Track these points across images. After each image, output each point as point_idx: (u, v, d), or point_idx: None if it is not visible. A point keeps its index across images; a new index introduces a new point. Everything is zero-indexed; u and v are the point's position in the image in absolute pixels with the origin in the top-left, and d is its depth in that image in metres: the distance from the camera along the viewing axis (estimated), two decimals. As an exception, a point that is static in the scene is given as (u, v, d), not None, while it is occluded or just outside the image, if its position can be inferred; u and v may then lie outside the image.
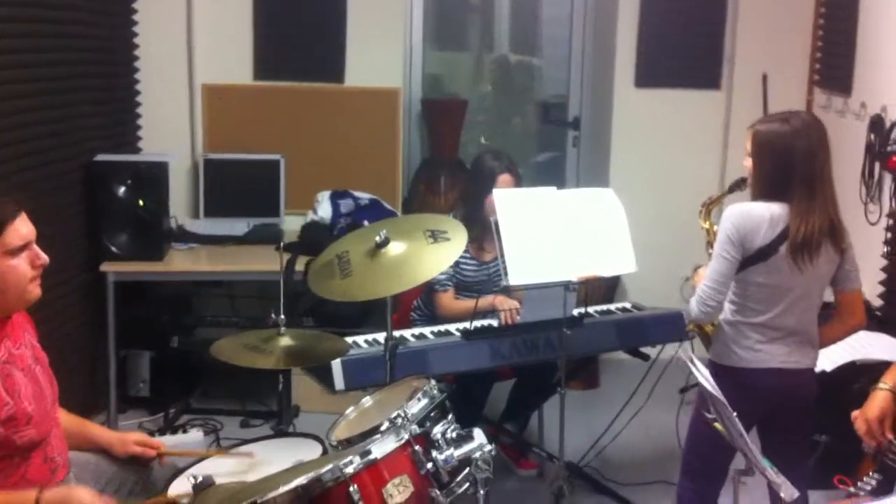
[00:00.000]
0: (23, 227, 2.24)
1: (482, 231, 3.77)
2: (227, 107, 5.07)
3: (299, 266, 4.43)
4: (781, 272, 2.84)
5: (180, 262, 4.55)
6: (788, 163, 2.83)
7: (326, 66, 5.07)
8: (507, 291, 3.57)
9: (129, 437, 2.67)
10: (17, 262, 2.23)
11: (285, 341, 2.78)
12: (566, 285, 3.30)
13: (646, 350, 3.88)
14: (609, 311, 3.89)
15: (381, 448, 2.10)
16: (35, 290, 2.31)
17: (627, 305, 4.00)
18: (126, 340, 4.52)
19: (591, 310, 3.81)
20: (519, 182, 3.89)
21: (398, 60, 5.17)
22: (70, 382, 3.68)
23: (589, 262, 3.33)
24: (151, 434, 4.08)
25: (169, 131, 5.00)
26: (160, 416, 4.55)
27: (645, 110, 5.29)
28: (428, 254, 2.64)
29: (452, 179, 5.43)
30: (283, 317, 2.83)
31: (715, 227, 3.09)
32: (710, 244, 3.13)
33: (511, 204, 3.30)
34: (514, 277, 3.20)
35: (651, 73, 5.24)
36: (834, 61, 4.89)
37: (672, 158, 5.31)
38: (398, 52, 5.18)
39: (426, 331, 3.57)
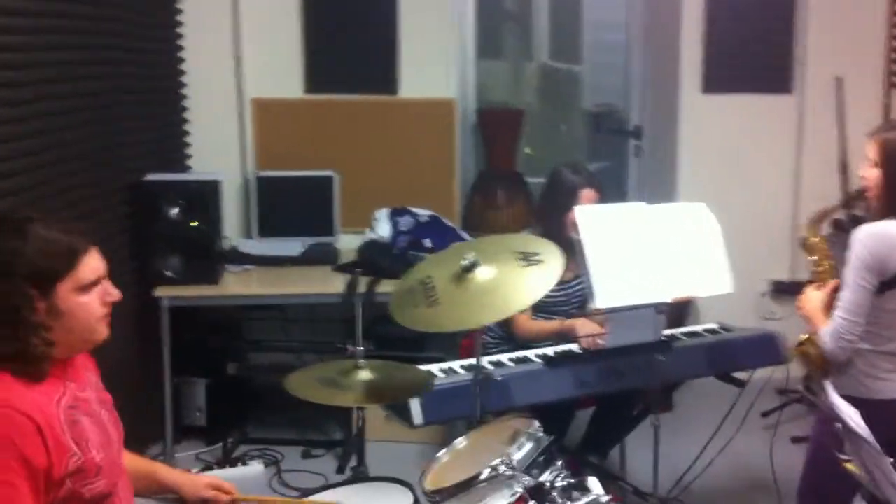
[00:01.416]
0: (95, 261, 2.05)
1: (561, 249, 3.58)
2: (277, 122, 4.89)
3: (362, 288, 4.23)
4: None
5: (236, 285, 4.36)
6: None
7: (379, 76, 4.88)
8: (589, 314, 3.34)
9: (201, 480, 2.47)
10: (89, 299, 2.04)
11: (364, 375, 2.57)
12: (657, 307, 3.07)
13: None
14: (696, 334, 3.63)
15: (495, 505, 1.87)
16: (103, 330, 2.12)
17: (714, 326, 3.74)
18: (180, 368, 4.33)
19: (676, 332, 3.57)
20: (602, 197, 3.66)
21: (451, 70, 4.96)
22: (123, 413, 3.50)
23: (682, 282, 3.10)
24: (210, 467, 3.88)
25: (219, 148, 4.83)
26: (218, 446, 4.35)
27: (713, 117, 5.06)
28: (521, 279, 2.42)
29: (511, 193, 5.22)
30: (361, 348, 2.61)
31: (824, 244, 2.85)
32: (816, 262, 2.89)
33: (595, 221, 3.07)
34: (603, 300, 2.98)
35: (718, 78, 5.01)
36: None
37: (742, 167, 5.07)
38: (451, 62, 4.97)
39: (504, 358, 3.35)
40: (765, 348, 3.55)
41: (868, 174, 2.71)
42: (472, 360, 3.31)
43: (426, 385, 2.56)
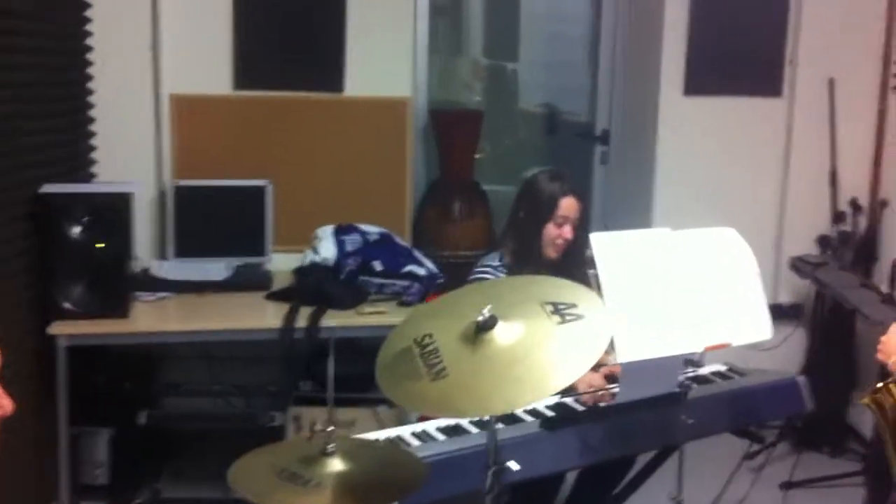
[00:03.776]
0: None
1: (536, 271, 3.05)
2: (200, 122, 4.16)
3: (302, 319, 3.60)
4: None
5: (148, 318, 3.64)
6: None
7: (322, 71, 4.20)
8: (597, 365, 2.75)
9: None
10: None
11: (335, 465, 1.91)
12: (690, 359, 2.51)
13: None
14: (706, 379, 3.07)
15: None
16: None
17: (722, 369, 3.19)
18: (80, 416, 3.60)
19: (682, 378, 3.00)
20: (585, 206, 3.20)
21: (406, 64, 4.32)
22: (14, 470, 2.98)
23: (716, 327, 2.53)
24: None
25: (130, 154, 4.09)
26: (123, 508, 3.65)
27: (695, 121, 4.56)
28: (558, 342, 1.79)
29: (469, 205, 4.60)
30: (332, 427, 1.96)
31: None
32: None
33: (614, 251, 2.48)
34: (625, 353, 2.39)
35: (702, 80, 4.52)
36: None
37: (727, 173, 4.59)
38: (406, 55, 4.33)
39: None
40: (787, 396, 3.03)
41: None
42: (451, 420, 2.72)
43: (419, 479, 1.91)
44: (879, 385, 2.37)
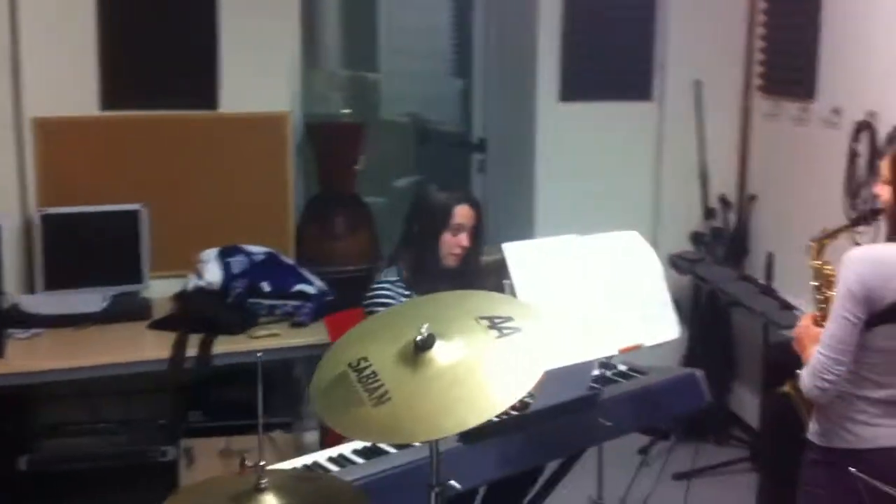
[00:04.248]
0: None
1: (436, 283, 2.98)
2: (67, 146, 3.91)
3: (191, 348, 3.45)
4: None
5: (22, 356, 3.39)
6: None
7: (195, 88, 4.04)
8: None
9: None
10: None
11: (271, 502, 1.81)
12: (605, 363, 2.53)
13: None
14: (612, 381, 3.10)
15: None
16: None
17: (622, 368, 3.23)
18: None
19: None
20: (480, 213, 3.16)
21: (284, 78, 4.21)
22: None
23: (629, 328, 2.57)
24: None
25: (-10, 182, 3.82)
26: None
27: (572, 126, 4.62)
28: (500, 358, 1.76)
29: (352, 219, 4.52)
30: (263, 462, 1.86)
31: (828, 268, 2.41)
32: (819, 288, 2.45)
33: (526, 260, 2.47)
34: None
35: (577, 86, 4.60)
36: (788, 64, 4.39)
37: (604, 176, 4.67)
38: (284, 69, 4.21)
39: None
40: (688, 391, 3.09)
41: (881, 191, 2.30)
42: (368, 442, 2.65)
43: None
44: (798, 372, 2.45)
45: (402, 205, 5.78)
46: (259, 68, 4.09)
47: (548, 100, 4.60)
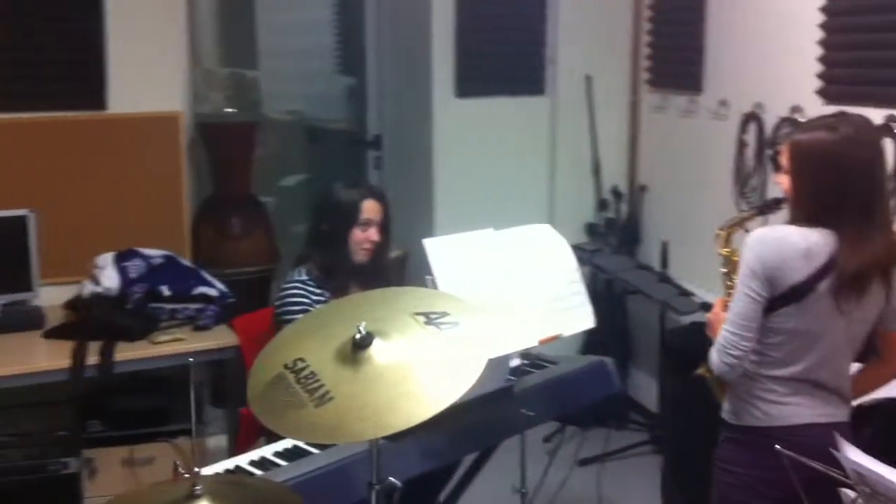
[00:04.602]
0: None
1: (348, 280, 3.05)
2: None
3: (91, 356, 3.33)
4: (818, 316, 2.28)
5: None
6: (839, 180, 2.26)
7: (82, 89, 3.89)
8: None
9: None
10: None
11: (206, 509, 1.77)
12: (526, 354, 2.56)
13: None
14: (526, 371, 3.14)
15: None
16: None
17: (533, 359, 3.28)
18: None
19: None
20: (387, 207, 3.16)
21: (175, 77, 4.09)
22: None
23: (548, 319, 2.60)
24: None
25: None
26: None
27: (468, 122, 4.67)
28: (440, 352, 1.76)
29: (249, 220, 4.45)
30: (198, 469, 1.82)
31: (736, 256, 2.49)
32: (728, 275, 2.52)
33: (446, 255, 2.48)
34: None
35: (472, 82, 4.65)
36: (674, 58, 4.55)
37: (500, 170, 4.74)
38: (175, 68, 4.10)
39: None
40: (600, 378, 3.16)
41: (781, 180, 2.38)
42: (289, 443, 2.62)
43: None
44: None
45: (291, 204, 5.78)
46: (148, 68, 3.97)
47: (443, 96, 4.63)
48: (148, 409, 3.75)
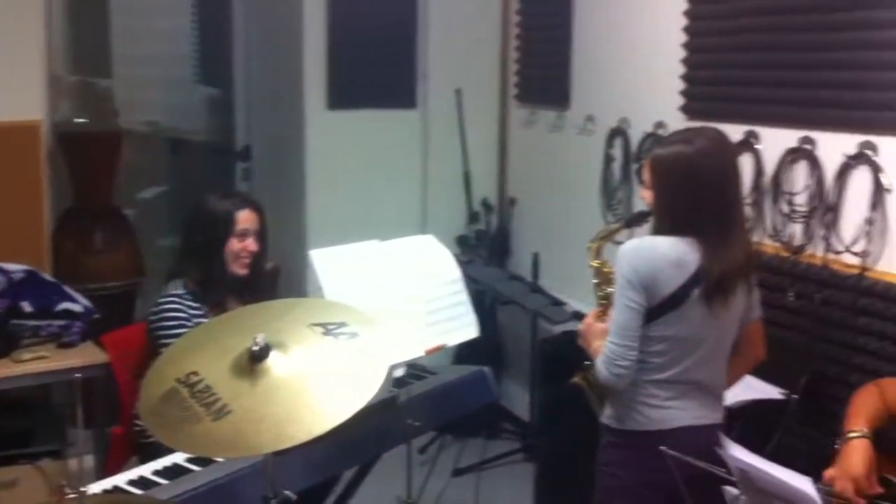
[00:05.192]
0: None
1: (226, 292, 3.00)
2: None
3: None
4: (694, 322, 2.39)
5: None
6: (696, 190, 2.38)
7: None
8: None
9: None
10: None
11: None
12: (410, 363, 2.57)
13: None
14: (406, 382, 3.15)
15: None
16: None
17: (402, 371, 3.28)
18: None
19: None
20: (263, 217, 3.12)
21: (35, 85, 3.91)
22: None
23: (433, 329, 2.63)
24: None
25: None
26: None
27: (341, 134, 4.66)
28: (340, 363, 1.75)
29: (112, 232, 4.30)
30: (83, 489, 1.74)
31: (607, 268, 2.56)
32: (599, 286, 2.59)
33: (333, 266, 2.47)
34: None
35: (345, 94, 4.64)
36: (542, 74, 4.66)
37: (374, 183, 4.75)
38: (35, 75, 3.92)
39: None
40: (480, 388, 3.21)
41: (644, 194, 2.48)
42: (168, 461, 2.54)
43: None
44: (587, 363, 2.60)
45: (152, 217, 5.61)
46: (5, 74, 3.78)
47: (315, 108, 4.60)
48: (10, 430, 3.57)
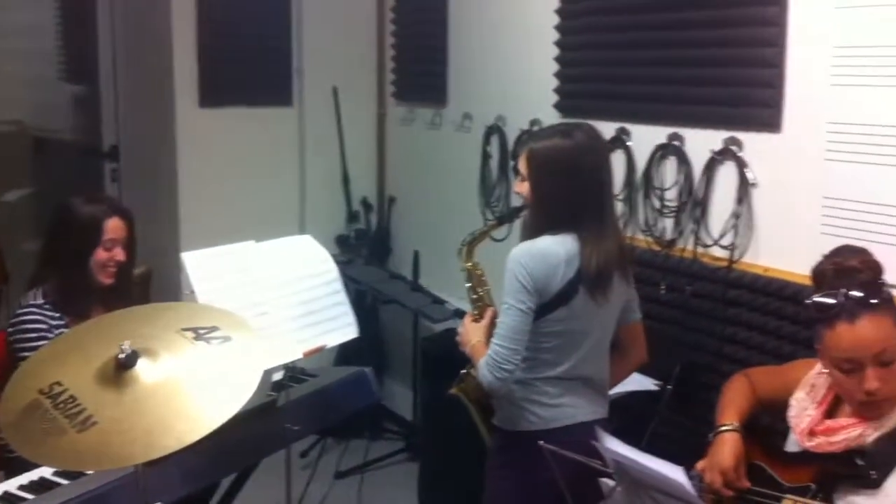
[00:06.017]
0: None
1: (88, 302, 2.84)
2: None
3: None
4: (581, 315, 2.42)
5: None
6: (575, 182, 2.41)
7: None
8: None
9: None
10: None
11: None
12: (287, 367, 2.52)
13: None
14: (285, 385, 3.08)
15: None
16: None
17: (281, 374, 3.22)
18: None
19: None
20: (132, 224, 2.98)
21: None
22: None
23: (311, 331, 2.58)
24: None
25: None
26: None
27: (214, 132, 4.54)
28: (212, 368, 1.69)
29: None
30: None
31: (479, 270, 2.56)
32: (472, 288, 2.59)
33: (206, 269, 2.40)
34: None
35: (217, 92, 4.51)
36: (418, 72, 4.65)
37: (250, 182, 4.65)
38: None
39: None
40: (360, 389, 3.16)
41: (521, 188, 2.48)
42: (34, 475, 2.42)
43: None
44: (463, 372, 2.60)
45: (15, 220, 5.36)
46: None
47: (186, 106, 4.47)
48: None
